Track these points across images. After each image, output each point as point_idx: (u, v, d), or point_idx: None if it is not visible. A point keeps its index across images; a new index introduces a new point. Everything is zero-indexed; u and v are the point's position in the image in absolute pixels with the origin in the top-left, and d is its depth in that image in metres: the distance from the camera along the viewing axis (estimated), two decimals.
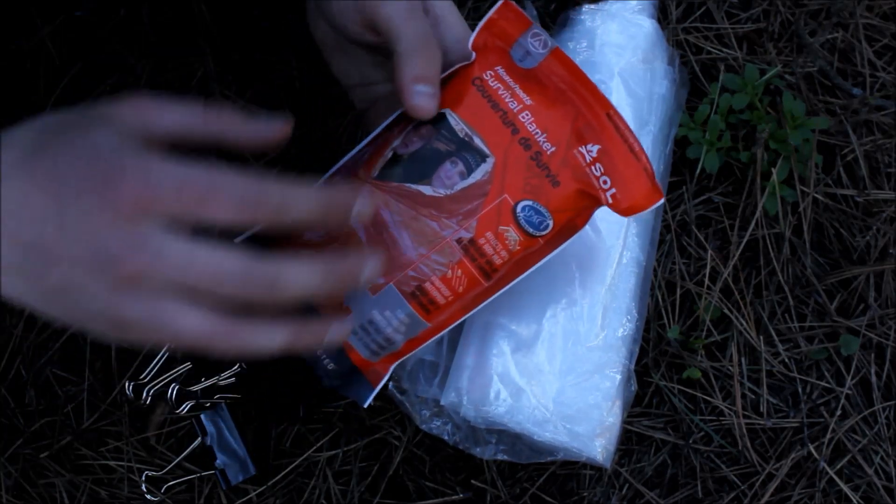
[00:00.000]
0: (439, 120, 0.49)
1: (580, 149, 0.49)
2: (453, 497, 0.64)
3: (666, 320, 0.67)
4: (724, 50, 0.72)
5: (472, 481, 0.65)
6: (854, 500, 0.65)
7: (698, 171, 0.68)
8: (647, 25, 0.65)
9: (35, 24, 0.69)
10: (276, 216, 0.40)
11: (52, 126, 0.39)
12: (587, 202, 0.50)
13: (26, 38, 0.68)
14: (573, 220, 0.51)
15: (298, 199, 0.40)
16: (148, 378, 0.66)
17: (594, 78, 0.63)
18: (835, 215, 0.69)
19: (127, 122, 0.40)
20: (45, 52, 0.69)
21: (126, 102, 0.41)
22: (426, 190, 0.49)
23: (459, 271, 0.50)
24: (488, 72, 0.50)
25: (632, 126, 0.63)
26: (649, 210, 0.63)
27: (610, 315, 0.60)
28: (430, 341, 0.53)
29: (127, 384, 0.65)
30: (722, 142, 0.68)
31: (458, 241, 0.49)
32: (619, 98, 0.63)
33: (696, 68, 0.71)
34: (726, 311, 0.67)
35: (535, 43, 0.50)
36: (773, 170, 0.67)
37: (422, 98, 0.47)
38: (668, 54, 0.67)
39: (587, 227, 0.61)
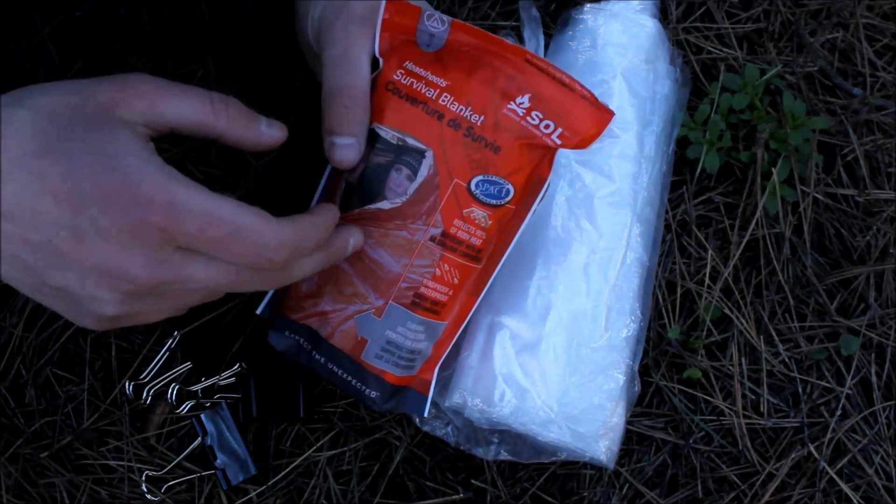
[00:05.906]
0: (372, 137, 0.49)
1: (510, 105, 0.49)
2: (453, 497, 0.64)
3: (666, 320, 0.67)
4: (725, 50, 0.72)
5: (473, 481, 0.64)
6: (854, 500, 0.65)
7: (699, 170, 0.68)
8: (649, 25, 0.65)
9: (35, 24, 0.68)
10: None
11: (61, 117, 0.38)
12: (537, 153, 0.50)
13: (26, 38, 0.68)
14: (534, 174, 0.51)
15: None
16: (148, 378, 0.66)
17: (596, 77, 0.64)
18: (835, 215, 0.69)
19: (134, 110, 0.40)
20: (45, 52, 0.69)
21: (132, 87, 0.40)
22: (384, 205, 0.49)
23: (446, 265, 0.50)
24: (398, 71, 0.50)
25: (635, 126, 0.63)
26: (651, 210, 0.64)
27: (614, 316, 0.60)
28: (457, 335, 0.54)
29: (127, 384, 0.65)
30: (722, 142, 0.68)
31: (432, 238, 0.50)
32: (622, 98, 0.63)
33: (696, 68, 0.71)
34: (726, 310, 0.67)
35: (434, 23, 0.50)
36: (773, 170, 0.67)
37: (333, 150, 0.47)
38: (670, 54, 0.67)
39: (591, 227, 0.61)
